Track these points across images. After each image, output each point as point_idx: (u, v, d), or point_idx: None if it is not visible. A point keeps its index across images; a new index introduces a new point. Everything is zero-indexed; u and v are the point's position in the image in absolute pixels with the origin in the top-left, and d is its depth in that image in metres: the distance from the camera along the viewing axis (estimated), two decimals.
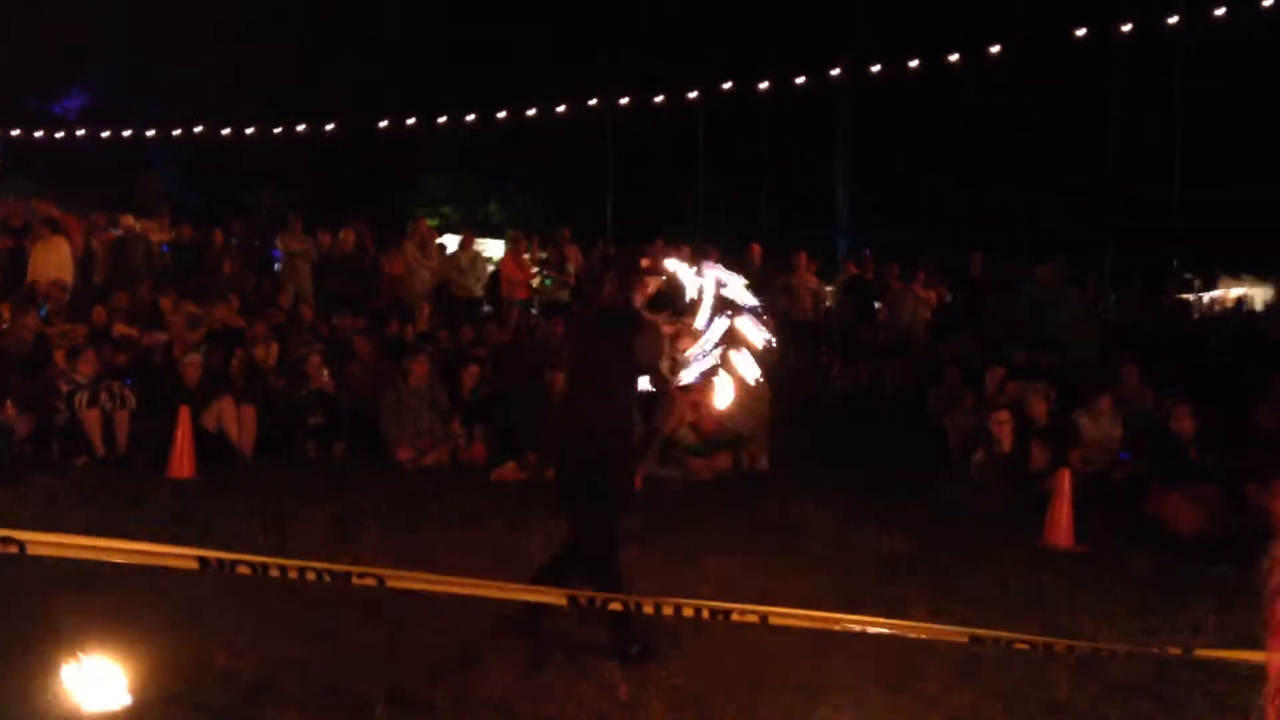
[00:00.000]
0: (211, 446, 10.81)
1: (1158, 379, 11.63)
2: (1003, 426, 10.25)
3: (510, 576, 7.07)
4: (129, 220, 16.17)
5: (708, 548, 8.22)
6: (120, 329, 12.91)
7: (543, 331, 14.31)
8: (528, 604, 5.79)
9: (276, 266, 17.06)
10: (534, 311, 16.27)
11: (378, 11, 29.13)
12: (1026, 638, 4.24)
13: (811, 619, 4.58)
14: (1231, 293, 27.45)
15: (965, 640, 4.38)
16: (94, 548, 3.70)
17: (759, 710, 5.17)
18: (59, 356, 11.86)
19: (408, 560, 7.32)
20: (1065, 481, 9.03)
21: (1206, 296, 23.39)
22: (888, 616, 6.44)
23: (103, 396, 10.88)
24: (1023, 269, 15.54)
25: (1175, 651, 4.40)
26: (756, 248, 16.17)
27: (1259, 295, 28.73)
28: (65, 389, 10.92)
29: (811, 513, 9.58)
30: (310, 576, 3.64)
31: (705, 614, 4.10)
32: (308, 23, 28.98)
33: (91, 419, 10.75)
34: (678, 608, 4.19)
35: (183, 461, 10.31)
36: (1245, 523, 8.40)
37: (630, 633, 5.82)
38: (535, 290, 16.80)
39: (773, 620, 4.50)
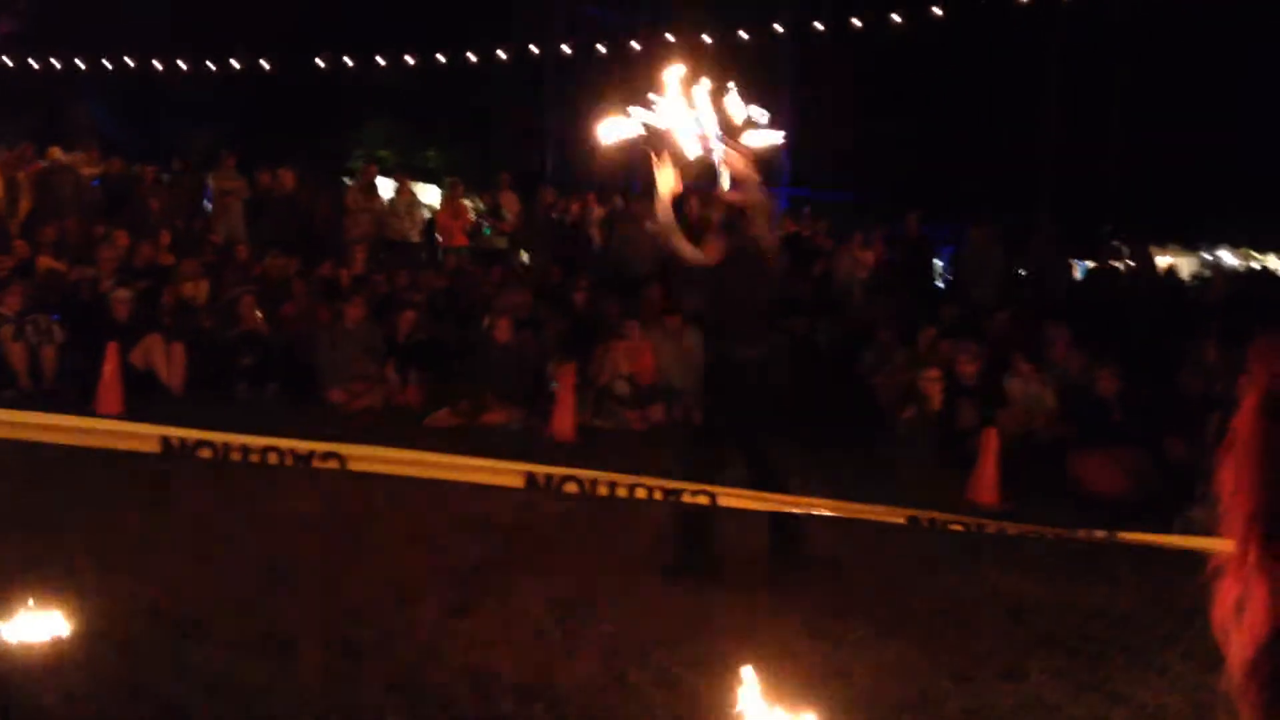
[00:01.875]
0: (140, 383, 10.69)
1: (1087, 344, 11.82)
2: (932, 385, 10.38)
3: (443, 522, 7.11)
4: (56, 152, 15.76)
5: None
6: (47, 263, 12.66)
7: (479, 279, 14.25)
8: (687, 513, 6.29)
9: (207, 205, 16.78)
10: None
11: None
12: (959, 518, 4.42)
13: (762, 500, 4.72)
14: (1160, 262, 27.95)
15: (904, 521, 4.60)
16: (54, 428, 3.65)
17: (691, 658, 5.23)
18: None
19: (340, 502, 7.31)
20: (992, 440, 9.18)
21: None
22: (819, 568, 6.57)
23: (29, 330, 10.70)
24: (957, 231, 15.73)
25: (1100, 535, 4.63)
26: (695, 201, 16.15)
27: (1185, 265, 29.30)
28: None
29: (743, 468, 9.65)
30: (273, 459, 3.64)
31: (658, 494, 4.26)
32: None
33: (17, 351, 10.58)
34: (632, 488, 4.31)
35: (110, 397, 10.18)
36: (1164, 484, 8.64)
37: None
38: (471, 237, 16.68)
39: (722, 501, 4.64)
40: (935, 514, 4.31)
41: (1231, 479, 1.47)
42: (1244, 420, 1.47)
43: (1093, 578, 6.90)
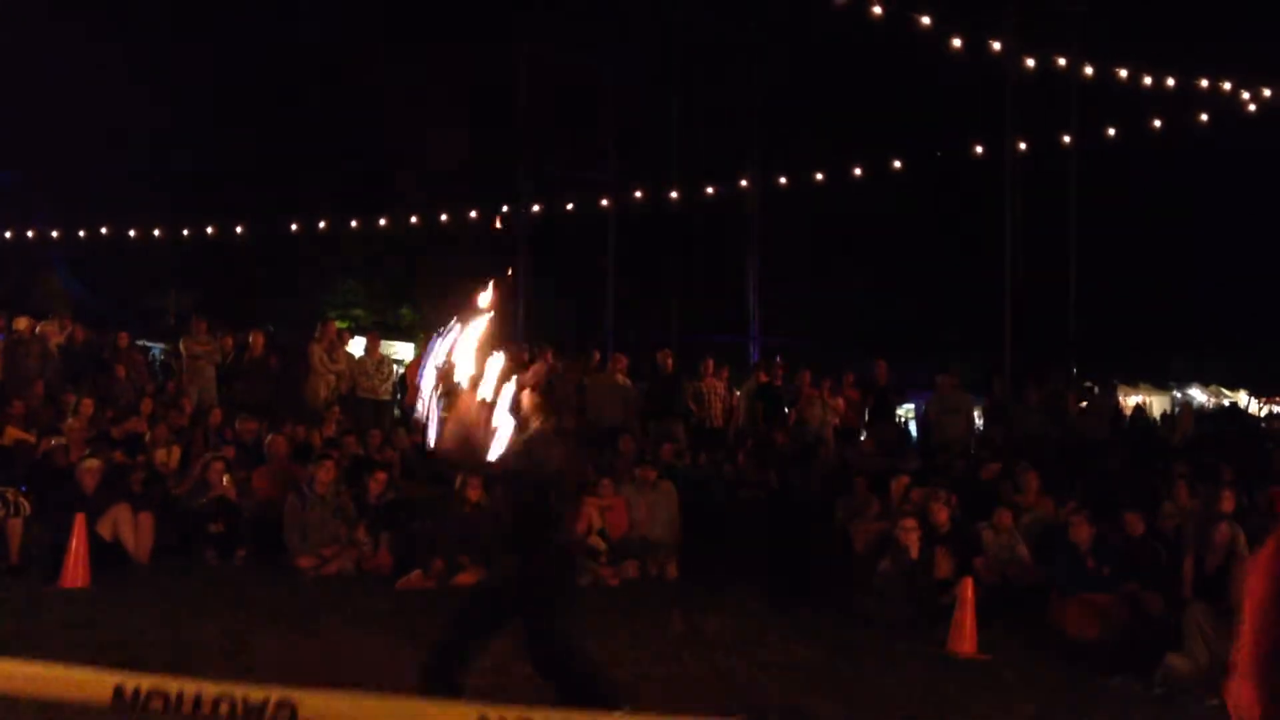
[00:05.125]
0: (107, 554, 10.54)
1: (1058, 486, 11.84)
2: (909, 534, 10.32)
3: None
4: (21, 323, 15.68)
5: (614, 658, 8.14)
6: (15, 434, 12.58)
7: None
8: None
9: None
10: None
11: (288, 115, 29.24)
12: None
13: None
14: (1129, 400, 28.21)
15: None
16: None
17: None
18: None
19: (305, 674, 7.15)
20: (969, 590, 9.12)
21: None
22: None
23: None
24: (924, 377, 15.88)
25: None
26: (668, 354, 16.30)
27: (1157, 404, 29.58)
28: None
29: (719, 622, 9.56)
30: (224, 709, 3.52)
31: None
32: (217, 123, 28.99)
33: None
34: None
35: (77, 571, 10.02)
36: (1141, 629, 8.57)
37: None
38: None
39: None
40: None
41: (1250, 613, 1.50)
42: (1264, 563, 1.50)
43: None
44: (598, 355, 16.89)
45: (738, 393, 16.91)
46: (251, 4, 29.50)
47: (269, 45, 29.18)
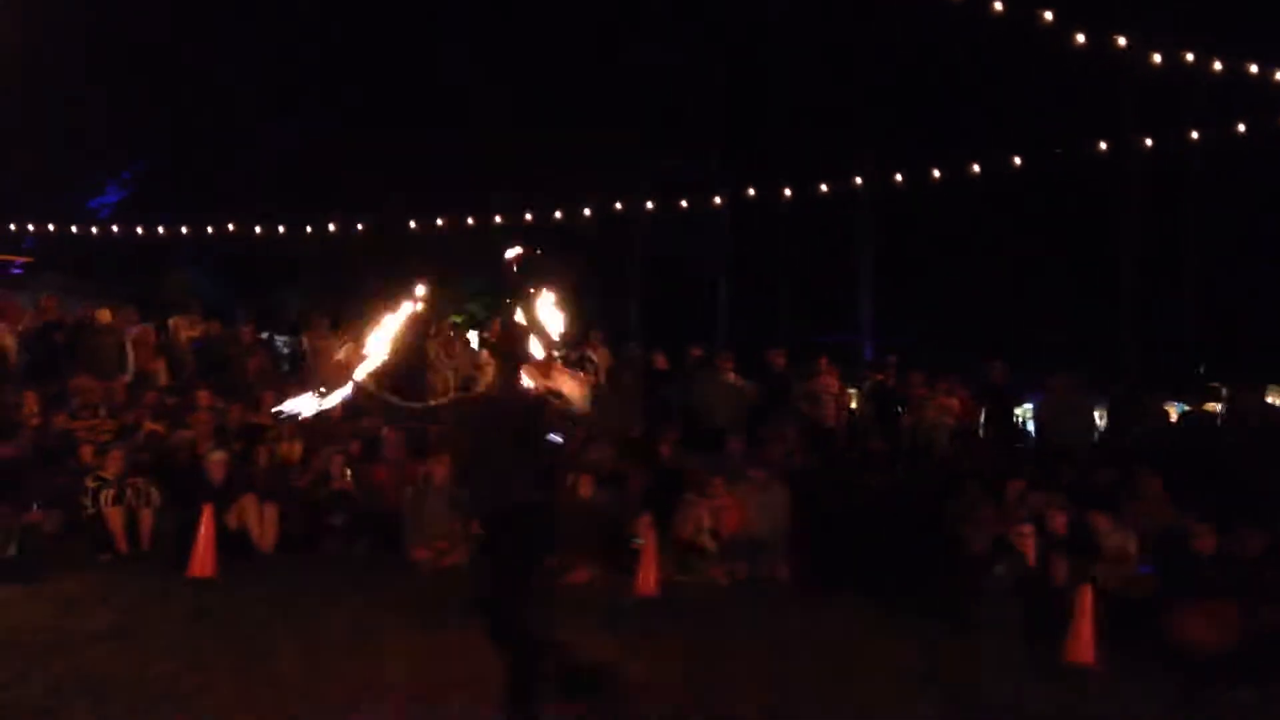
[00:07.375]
0: (234, 544, 10.88)
1: (1181, 490, 11.54)
2: (1026, 540, 10.17)
3: None
4: (105, 315, 15.88)
5: (724, 658, 8.19)
6: (149, 425, 13.02)
7: (565, 434, 14.34)
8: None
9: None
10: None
11: (409, 114, 29.67)
12: None
13: None
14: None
15: None
16: None
17: None
18: (86, 451, 11.99)
19: (424, 662, 7.32)
20: (1087, 597, 8.96)
21: None
22: None
23: (128, 494, 11.00)
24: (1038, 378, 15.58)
25: None
26: (779, 353, 16.20)
27: None
28: (91, 485, 11.04)
29: (829, 624, 9.54)
30: None
31: None
32: (339, 120, 29.55)
33: (115, 516, 10.85)
34: None
35: (204, 559, 10.36)
36: (1266, 644, 8.35)
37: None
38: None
39: None
40: None
41: None
42: None
43: None
44: (697, 351, 16.75)
45: (850, 392, 16.79)
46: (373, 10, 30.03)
47: (393, 45, 29.66)
